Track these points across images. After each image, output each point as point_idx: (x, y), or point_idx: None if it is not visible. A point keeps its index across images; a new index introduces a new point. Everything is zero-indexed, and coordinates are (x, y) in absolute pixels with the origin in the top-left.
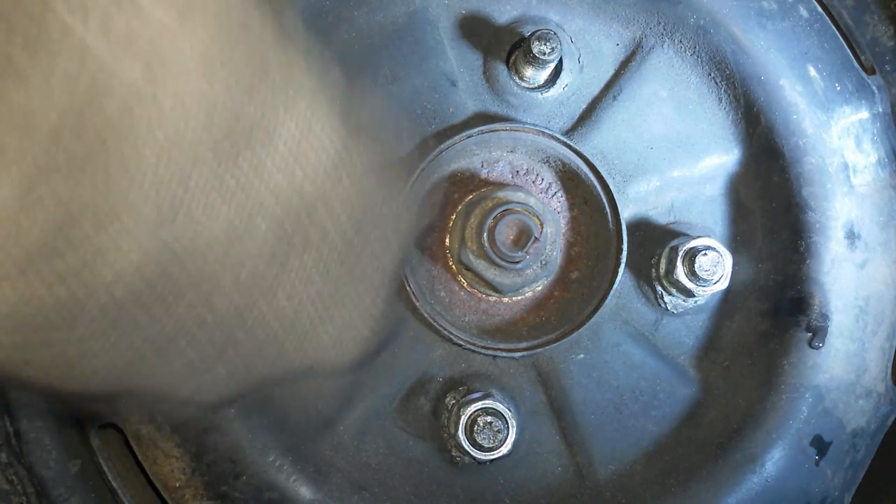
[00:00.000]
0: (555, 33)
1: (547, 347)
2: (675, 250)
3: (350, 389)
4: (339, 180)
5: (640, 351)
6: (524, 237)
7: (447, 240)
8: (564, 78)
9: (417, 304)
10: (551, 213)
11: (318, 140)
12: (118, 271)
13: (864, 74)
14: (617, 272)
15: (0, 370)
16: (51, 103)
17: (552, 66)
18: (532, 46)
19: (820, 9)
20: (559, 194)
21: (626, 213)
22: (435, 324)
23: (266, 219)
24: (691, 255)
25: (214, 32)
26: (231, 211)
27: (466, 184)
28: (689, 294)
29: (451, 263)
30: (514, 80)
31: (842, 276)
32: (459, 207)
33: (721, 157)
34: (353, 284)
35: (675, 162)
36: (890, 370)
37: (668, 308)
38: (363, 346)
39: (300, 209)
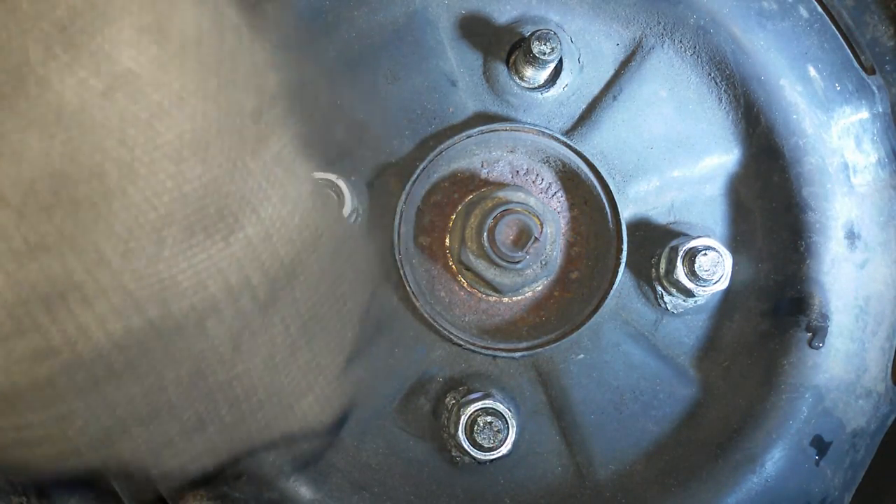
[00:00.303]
0: (555, 33)
1: (547, 347)
2: (675, 250)
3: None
4: (312, 250)
5: (640, 351)
6: (524, 237)
7: (447, 240)
8: (564, 78)
9: (417, 304)
10: (551, 213)
11: (293, 213)
12: (96, 345)
13: (864, 74)
14: (617, 272)
15: None
16: (24, 178)
17: (552, 66)
18: (532, 46)
19: (820, 9)
20: (559, 194)
21: (626, 213)
22: (435, 324)
23: (243, 285)
24: (691, 255)
25: (200, 104)
26: (209, 278)
27: (466, 184)
28: (689, 294)
29: (451, 263)
30: (514, 80)
31: (842, 276)
32: (459, 207)
33: (721, 157)
34: (328, 349)
35: (675, 162)
36: (890, 370)
37: (668, 308)
38: (343, 406)
39: (276, 277)
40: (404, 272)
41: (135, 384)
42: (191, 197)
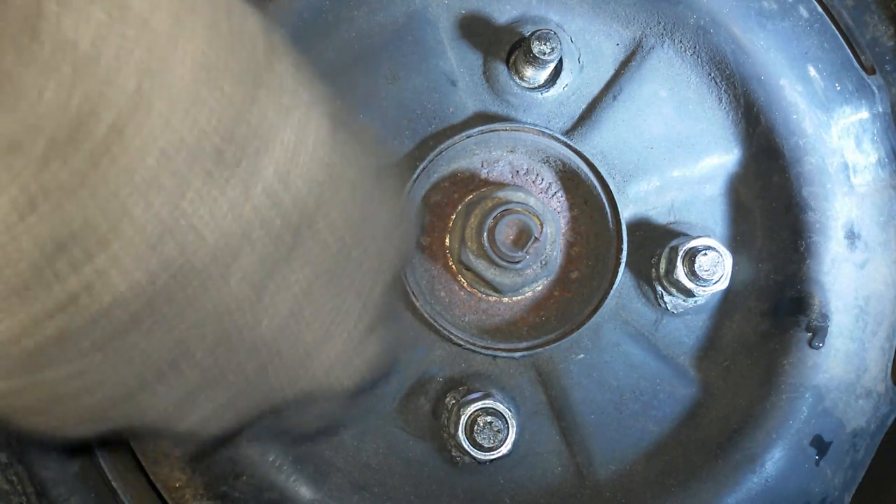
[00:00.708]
0: (555, 33)
1: (547, 347)
2: (675, 250)
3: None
4: (336, 190)
5: (640, 351)
6: (524, 237)
7: (447, 240)
8: (564, 78)
9: (417, 304)
10: (551, 213)
11: (314, 150)
12: (119, 293)
13: (864, 74)
14: (617, 272)
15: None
16: (46, 119)
17: (552, 66)
18: (532, 46)
19: (820, 9)
20: (559, 194)
21: (626, 213)
22: (435, 324)
23: (265, 230)
24: (691, 255)
25: (209, 41)
26: (230, 222)
27: (466, 184)
28: (689, 294)
29: (451, 263)
30: (514, 80)
31: (842, 276)
32: (459, 207)
33: (721, 157)
34: (353, 298)
35: (675, 162)
36: (890, 370)
37: (668, 308)
38: (366, 368)
39: (298, 220)
40: (404, 272)
41: (155, 333)
42: (207, 135)
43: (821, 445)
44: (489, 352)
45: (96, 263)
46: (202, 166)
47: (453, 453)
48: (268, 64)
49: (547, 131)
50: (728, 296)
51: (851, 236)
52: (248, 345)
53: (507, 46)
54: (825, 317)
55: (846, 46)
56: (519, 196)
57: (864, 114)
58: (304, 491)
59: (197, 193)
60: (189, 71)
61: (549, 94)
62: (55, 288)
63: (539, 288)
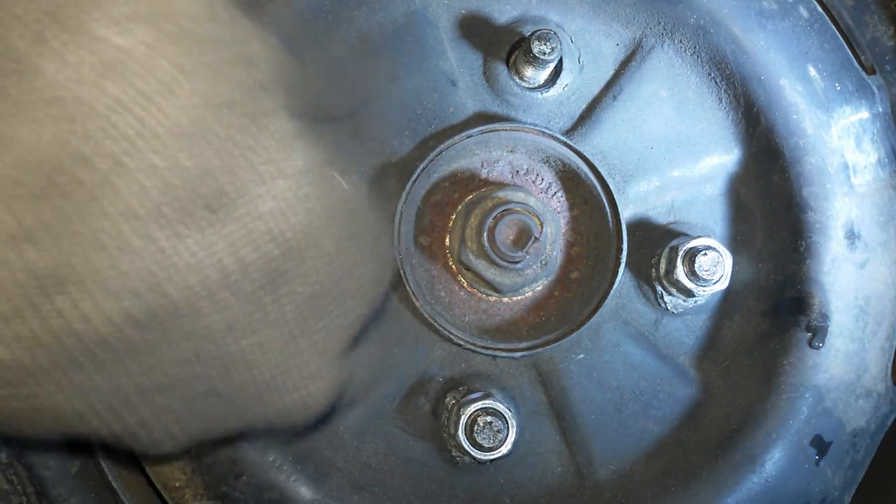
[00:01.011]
0: (555, 33)
1: (547, 347)
2: (675, 250)
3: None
4: (316, 241)
5: (640, 351)
6: (524, 237)
7: (447, 240)
8: (564, 78)
9: (417, 304)
10: (551, 213)
11: (294, 208)
12: (79, 336)
13: (864, 74)
14: (617, 272)
15: None
16: (31, 169)
17: (552, 66)
18: (532, 46)
19: (820, 9)
20: (559, 194)
21: (626, 213)
22: (435, 324)
23: (245, 278)
24: (691, 255)
25: (207, 93)
26: (211, 268)
27: (466, 184)
28: (689, 294)
29: (451, 263)
30: (514, 80)
31: (842, 276)
32: (459, 207)
33: (721, 157)
34: (323, 335)
35: (675, 162)
36: (890, 370)
37: (668, 308)
38: (323, 400)
39: (277, 268)
40: (404, 272)
41: (136, 364)
42: (185, 180)
43: (821, 445)
44: (489, 352)
45: (74, 301)
46: (177, 208)
47: (453, 453)
48: (263, 123)
49: (547, 131)
50: (728, 296)
51: (851, 236)
52: (221, 372)
53: (507, 46)
54: (825, 317)
55: (846, 46)
56: (519, 196)
57: (864, 114)
58: (304, 491)
59: (171, 233)
60: (169, 118)
61: (549, 94)
62: (33, 320)
63: (539, 288)
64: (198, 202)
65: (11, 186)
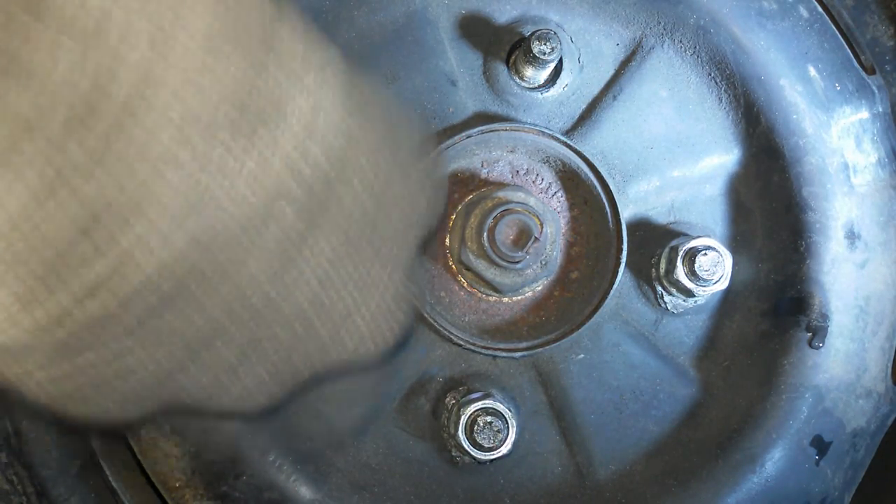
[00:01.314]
0: (555, 33)
1: (547, 347)
2: (675, 250)
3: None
4: (356, 155)
5: (640, 351)
6: (524, 237)
7: (447, 240)
8: (564, 78)
9: (417, 304)
10: (551, 212)
11: (330, 115)
12: (148, 274)
13: (864, 74)
14: (617, 272)
15: (41, 412)
16: (58, 98)
17: (552, 65)
18: (532, 46)
19: (820, 9)
20: (559, 194)
21: (626, 212)
22: (435, 324)
23: (288, 198)
24: (691, 255)
25: (214, 10)
26: (254, 193)
27: (466, 184)
28: (689, 294)
29: (451, 263)
30: (514, 80)
31: (842, 276)
32: (459, 207)
33: (721, 157)
34: (381, 265)
35: (675, 162)
36: (890, 370)
37: (668, 308)
38: (398, 331)
39: (320, 187)
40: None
41: (187, 312)
42: (219, 105)
43: (821, 445)
44: (489, 352)
45: (121, 246)
46: (218, 138)
47: (453, 453)
48: (275, 30)
49: (547, 131)
50: (728, 296)
51: (851, 236)
52: (282, 317)
53: (507, 46)
54: (825, 317)
55: (846, 46)
56: (519, 196)
57: (864, 114)
58: (304, 491)
59: (215, 166)
60: (196, 42)
61: (549, 94)
62: (82, 274)
63: (539, 288)
64: (234, 125)
65: (48, 126)
